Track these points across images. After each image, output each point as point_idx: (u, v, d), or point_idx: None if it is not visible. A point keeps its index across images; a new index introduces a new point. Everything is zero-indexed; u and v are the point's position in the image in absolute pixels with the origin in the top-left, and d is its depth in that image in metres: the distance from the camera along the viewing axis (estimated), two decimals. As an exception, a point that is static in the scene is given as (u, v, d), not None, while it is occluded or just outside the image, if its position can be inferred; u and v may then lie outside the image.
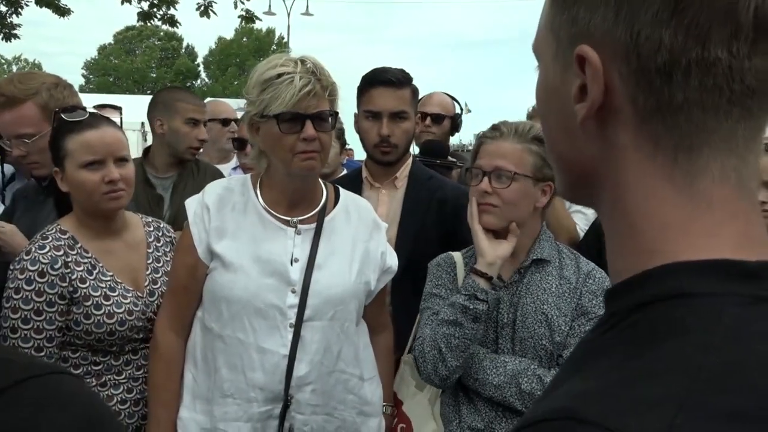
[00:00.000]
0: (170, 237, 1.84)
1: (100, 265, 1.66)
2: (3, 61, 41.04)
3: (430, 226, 2.05)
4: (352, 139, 5.35)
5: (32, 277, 1.55)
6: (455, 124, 2.91)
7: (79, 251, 1.64)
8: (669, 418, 0.36)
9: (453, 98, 2.94)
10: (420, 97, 2.78)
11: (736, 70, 0.43)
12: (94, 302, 1.61)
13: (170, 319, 1.63)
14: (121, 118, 1.87)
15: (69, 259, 1.61)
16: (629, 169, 0.48)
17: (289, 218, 1.62)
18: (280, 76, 1.49)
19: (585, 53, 0.47)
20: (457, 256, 1.70)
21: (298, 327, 1.55)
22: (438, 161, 2.60)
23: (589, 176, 0.51)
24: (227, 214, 1.61)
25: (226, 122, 3.39)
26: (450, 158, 2.77)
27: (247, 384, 1.54)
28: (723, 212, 0.45)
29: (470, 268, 1.57)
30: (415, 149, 2.82)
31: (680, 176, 0.46)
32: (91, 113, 1.69)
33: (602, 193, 0.51)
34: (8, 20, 9.05)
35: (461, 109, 2.95)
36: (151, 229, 1.81)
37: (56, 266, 1.58)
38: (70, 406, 0.49)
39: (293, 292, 1.57)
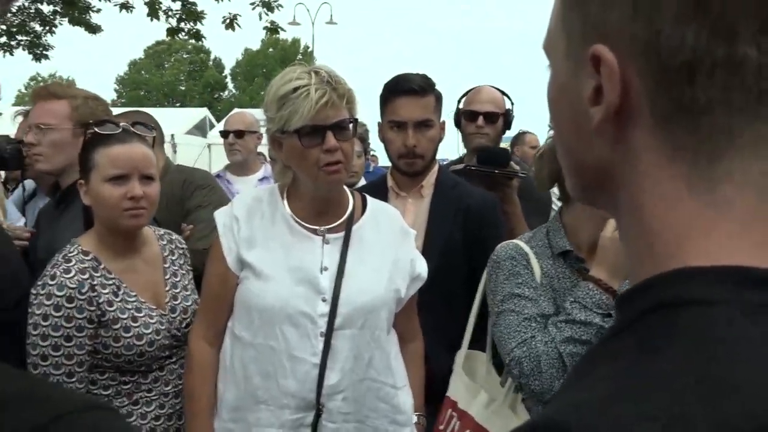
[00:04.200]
0: (182, 248, 1.84)
1: (124, 285, 1.65)
2: (40, 78, 42.23)
3: (456, 235, 2.03)
4: (377, 145, 5.31)
5: (60, 303, 1.52)
6: (507, 121, 2.53)
7: (102, 273, 1.62)
8: None
9: (503, 92, 2.58)
10: (466, 91, 2.62)
11: (766, 67, 0.39)
12: (123, 325, 1.60)
13: (205, 329, 1.65)
14: (154, 137, 1.90)
15: (95, 282, 1.58)
16: (646, 174, 0.45)
17: (316, 227, 1.63)
18: (296, 90, 1.50)
19: (600, 53, 0.43)
20: (525, 246, 1.58)
21: (328, 336, 1.56)
22: (496, 170, 2.16)
23: (603, 180, 0.48)
24: (256, 223, 1.62)
25: (237, 134, 3.46)
26: (513, 166, 2.30)
27: (280, 391, 1.55)
28: (743, 219, 0.42)
29: (592, 279, 1.44)
30: (460, 151, 2.53)
31: (700, 181, 0.43)
32: (124, 129, 1.69)
33: (618, 198, 0.48)
34: (43, 39, 9.32)
35: (512, 104, 2.57)
36: (165, 242, 1.79)
37: (84, 290, 1.55)
38: None
39: (323, 300, 1.57)
